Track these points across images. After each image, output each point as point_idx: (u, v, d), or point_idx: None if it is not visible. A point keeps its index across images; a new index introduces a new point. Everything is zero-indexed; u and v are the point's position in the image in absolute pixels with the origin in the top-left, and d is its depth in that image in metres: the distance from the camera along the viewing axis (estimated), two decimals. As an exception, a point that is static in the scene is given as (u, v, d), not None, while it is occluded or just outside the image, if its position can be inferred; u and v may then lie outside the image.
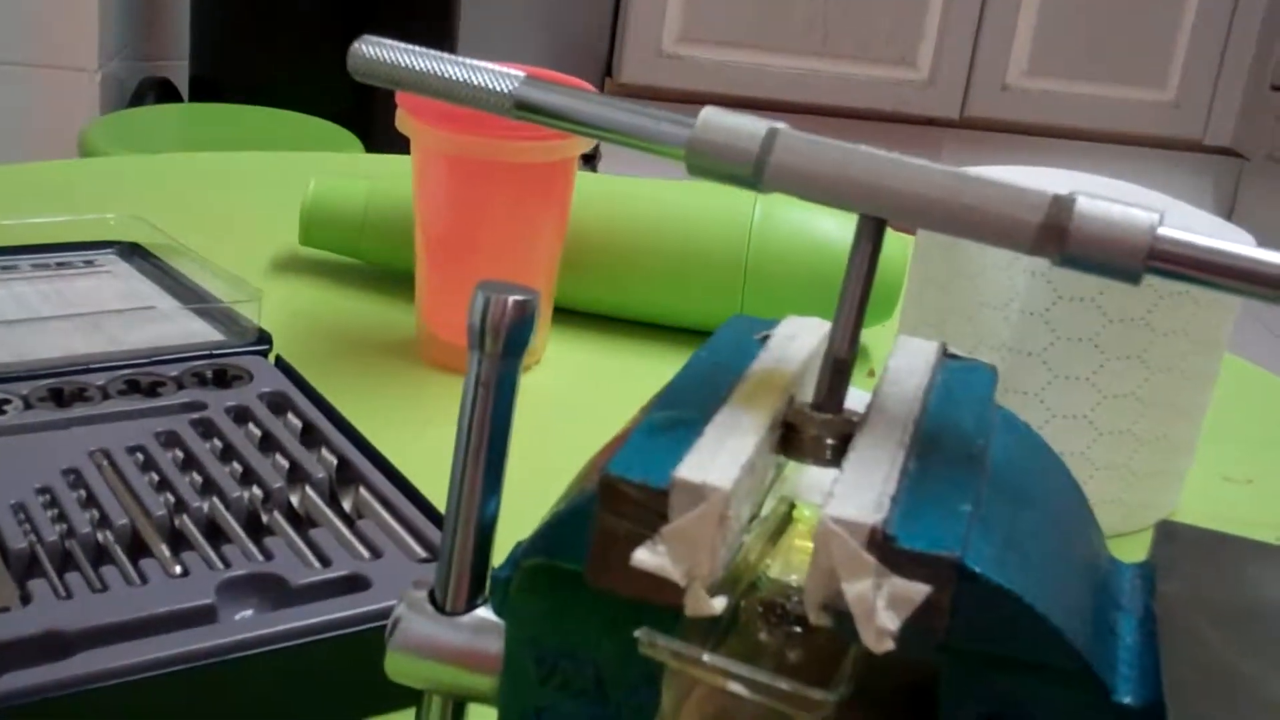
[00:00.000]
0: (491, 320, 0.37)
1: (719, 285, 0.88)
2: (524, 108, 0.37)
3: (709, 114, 0.36)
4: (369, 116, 2.42)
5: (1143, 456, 0.71)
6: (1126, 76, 3.56)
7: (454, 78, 0.38)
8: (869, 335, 0.92)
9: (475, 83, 0.38)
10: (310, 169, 0.98)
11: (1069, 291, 0.67)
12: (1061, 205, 0.33)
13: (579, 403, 0.82)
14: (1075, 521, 0.38)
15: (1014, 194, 0.33)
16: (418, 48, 0.39)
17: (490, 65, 0.38)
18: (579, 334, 0.91)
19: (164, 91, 2.87)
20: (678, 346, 0.89)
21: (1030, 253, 0.33)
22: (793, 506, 0.40)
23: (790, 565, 0.38)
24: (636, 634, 0.32)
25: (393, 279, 0.94)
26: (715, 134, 0.35)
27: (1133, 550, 0.39)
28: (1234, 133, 3.64)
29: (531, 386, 0.83)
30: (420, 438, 0.70)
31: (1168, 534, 0.39)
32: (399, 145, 0.86)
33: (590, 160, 3.30)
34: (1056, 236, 0.33)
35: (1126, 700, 0.32)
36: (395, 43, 0.39)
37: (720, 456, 0.33)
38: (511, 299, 0.37)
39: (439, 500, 0.39)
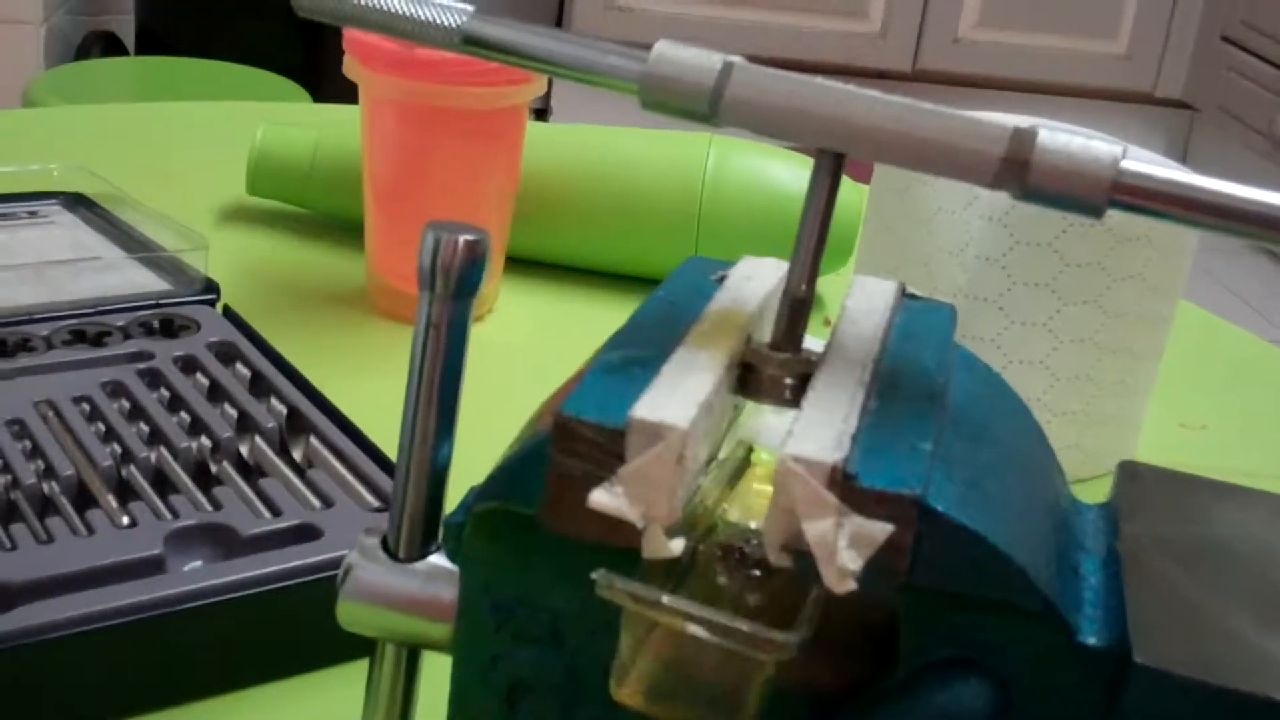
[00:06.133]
0: (442, 260, 0.36)
1: (673, 233, 0.88)
2: (472, 42, 0.36)
3: (663, 47, 0.35)
4: (318, 71, 2.41)
5: (1100, 402, 0.70)
6: (1078, 28, 3.56)
7: (400, 11, 0.37)
8: (823, 284, 0.92)
9: (421, 17, 0.37)
10: (258, 118, 0.97)
11: (1025, 236, 0.66)
12: (1023, 138, 0.32)
13: (532, 353, 0.81)
14: (1037, 461, 0.37)
15: (975, 126, 0.32)
16: (364, -20, 0.38)
17: (438, -2, 0.37)
18: (531, 284, 0.90)
19: (109, 45, 2.84)
20: (632, 295, 0.88)
21: (991, 187, 0.33)
22: (751, 450, 0.39)
23: (749, 510, 0.38)
24: (594, 575, 0.32)
25: (341, 228, 0.93)
26: (669, 67, 0.34)
27: (1091, 497, 0.39)
28: (1185, 84, 3.66)
29: (484, 337, 0.82)
30: (372, 386, 0.69)
31: (1130, 474, 0.39)
32: (349, 100, 0.85)
33: (541, 115, 3.29)
34: (1018, 170, 0.32)
35: (1090, 640, 0.32)
36: (341, -24, 0.38)
37: (677, 395, 0.32)
38: (462, 238, 0.36)
39: (391, 449, 0.38)
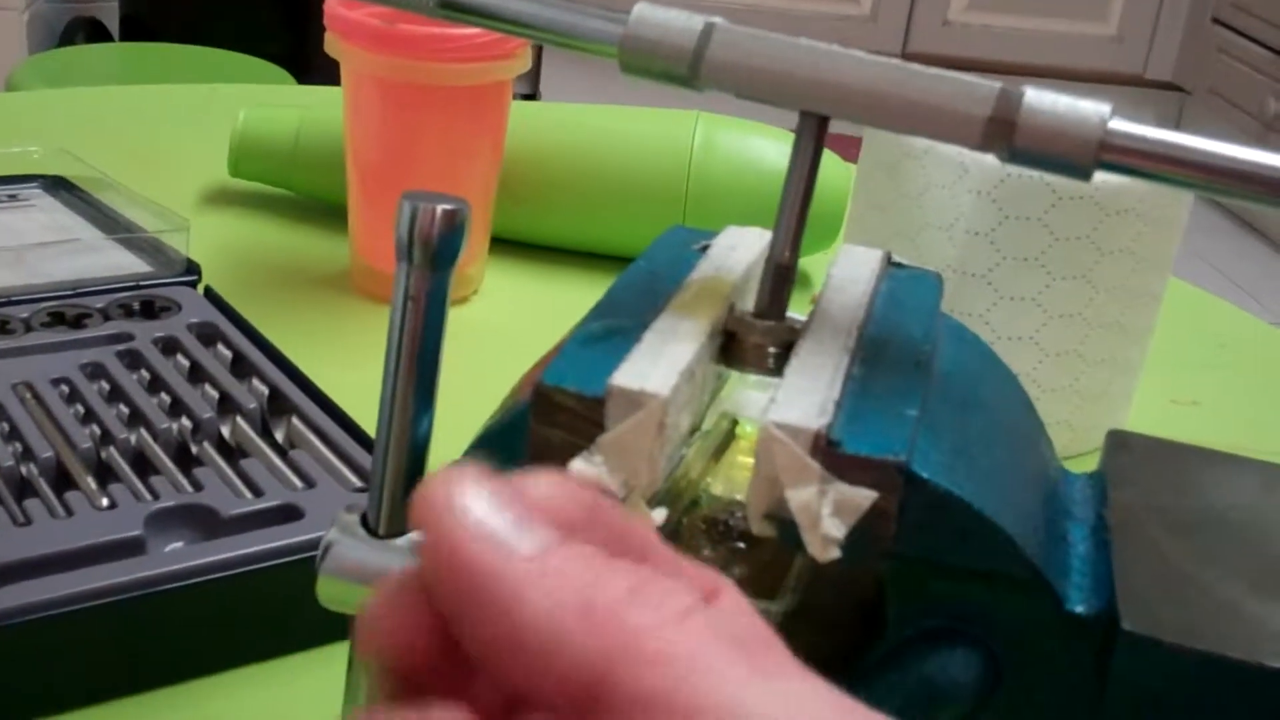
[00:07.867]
0: (420, 231, 0.35)
1: (660, 211, 0.87)
2: (448, 6, 0.36)
3: (642, 8, 0.34)
4: (303, 56, 2.39)
5: (1090, 378, 0.70)
6: (1068, 10, 3.55)
7: (376, -26, 0.36)
8: (811, 263, 0.91)
9: (398, -20, 0.36)
10: (241, 100, 0.96)
11: (1015, 211, 0.65)
12: (1009, 98, 0.32)
13: (518, 334, 0.80)
14: (1025, 430, 0.37)
15: (961, 86, 0.32)
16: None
17: (413, -39, 0.36)
18: (516, 264, 0.89)
19: (94, 31, 2.82)
20: (617, 275, 0.88)
21: (978, 148, 0.32)
22: (735, 424, 0.39)
23: (733, 483, 0.37)
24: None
25: (324, 210, 0.92)
26: (649, 29, 0.34)
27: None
28: (1175, 66, 3.65)
29: (469, 319, 0.81)
30: (355, 368, 0.68)
31: (1119, 443, 0.38)
32: (333, 84, 0.84)
33: (530, 99, 3.28)
34: (1005, 130, 0.32)
35: (1078, 608, 0.31)
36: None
37: (658, 364, 0.32)
38: (440, 208, 0.35)
39: (374, 430, 0.38)
